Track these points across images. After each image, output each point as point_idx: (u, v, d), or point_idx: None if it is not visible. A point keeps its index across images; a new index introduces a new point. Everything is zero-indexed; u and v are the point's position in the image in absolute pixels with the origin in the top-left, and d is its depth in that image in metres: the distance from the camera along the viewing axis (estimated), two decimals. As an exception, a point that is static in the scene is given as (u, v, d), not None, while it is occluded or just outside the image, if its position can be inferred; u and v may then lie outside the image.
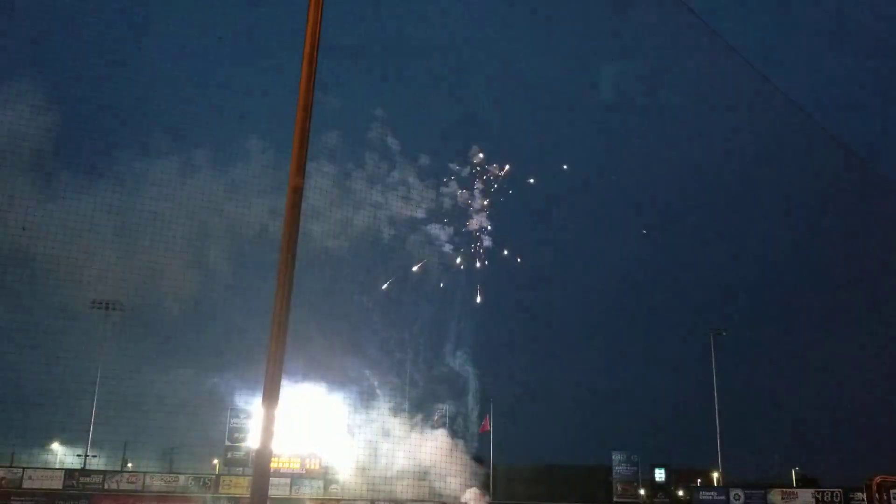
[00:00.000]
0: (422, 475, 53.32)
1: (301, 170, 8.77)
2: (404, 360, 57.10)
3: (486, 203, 56.36)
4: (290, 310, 8.13)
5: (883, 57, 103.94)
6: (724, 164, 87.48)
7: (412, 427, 55.60)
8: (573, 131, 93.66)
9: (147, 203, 48.54)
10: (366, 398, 55.57)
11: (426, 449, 53.11)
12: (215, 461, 62.18)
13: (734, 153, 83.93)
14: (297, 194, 8.60)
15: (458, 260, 57.07)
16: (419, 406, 58.21)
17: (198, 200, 49.79)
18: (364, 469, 54.25)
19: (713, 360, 60.08)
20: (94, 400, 53.49)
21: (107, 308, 53.27)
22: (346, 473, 55.75)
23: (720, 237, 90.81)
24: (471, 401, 57.06)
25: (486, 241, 57.35)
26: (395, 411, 55.66)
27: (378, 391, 55.59)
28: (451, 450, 54.94)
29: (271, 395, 8.08)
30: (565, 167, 59.14)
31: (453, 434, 55.91)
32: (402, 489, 53.97)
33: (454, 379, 57.70)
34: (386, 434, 54.37)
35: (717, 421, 59.07)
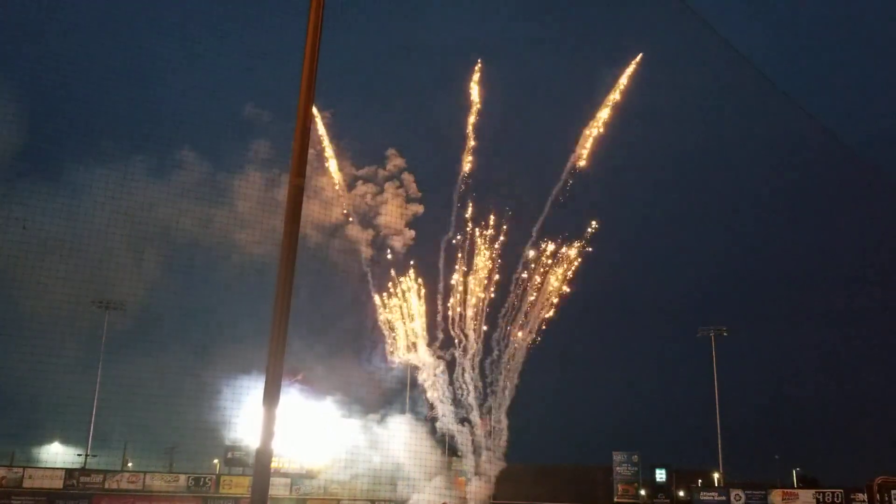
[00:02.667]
0: (417, 472, 53.76)
1: (302, 170, 8.77)
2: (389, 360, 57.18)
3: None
4: (290, 309, 8.11)
5: (886, 56, 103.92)
6: (727, 164, 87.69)
7: (410, 425, 55.79)
8: (564, 124, 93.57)
9: (148, 204, 48.76)
10: (360, 398, 56.03)
11: (422, 447, 53.51)
12: (215, 461, 62.25)
13: (736, 152, 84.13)
14: (298, 194, 8.58)
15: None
16: (412, 406, 58.35)
17: (199, 201, 50.04)
18: (361, 468, 54.53)
19: (714, 360, 60.02)
20: (94, 399, 53.56)
21: (107, 308, 53.32)
22: (344, 473, 55.95)
23: (721, 237, 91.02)
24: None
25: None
26: (390, 411, 55.97)
27: (369, 391, 55.97)
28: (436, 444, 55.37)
29: (272, 395, 8.06)
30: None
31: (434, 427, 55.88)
32: (402, 487, 54.20)
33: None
34: (384, 432, 54.68)
35: (718, 421, 59.05)
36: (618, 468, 57.94)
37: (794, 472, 61.48)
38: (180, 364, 49.41)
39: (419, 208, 55.54)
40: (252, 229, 51.37)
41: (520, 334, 54.58)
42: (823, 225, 75.93)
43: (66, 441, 61.10)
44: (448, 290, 54.01)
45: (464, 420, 54.43)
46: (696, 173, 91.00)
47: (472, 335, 54.35)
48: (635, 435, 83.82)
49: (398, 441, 52.77)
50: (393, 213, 54.67)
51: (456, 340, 53.98)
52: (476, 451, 54.54)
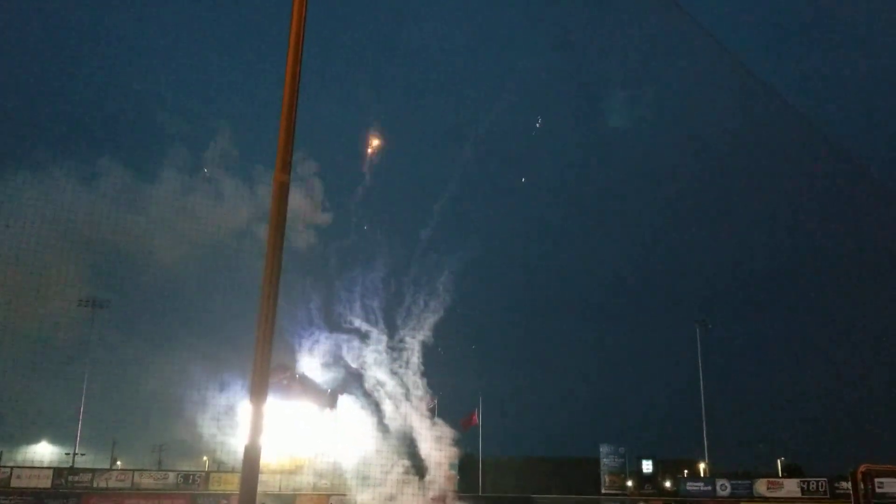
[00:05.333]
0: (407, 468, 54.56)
1: (287, 166, 8.80)
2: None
3: None
4: (276, 306, 8.17)
5: (872, 55, 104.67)
6: (712, 158, 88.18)
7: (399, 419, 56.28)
8: (556, 116, 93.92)
9: (134, 202, 48.84)
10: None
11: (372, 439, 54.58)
12: (205, 458, 62.20)
13: (721, 147, 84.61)
14: (283, 190, 8.63)
15: None
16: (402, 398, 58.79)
17: (185, 198, 50.14)
18: (350, 463, 54.98)
19: (699, 352, 60.51)
20: (81, 398, 53.37)
21: (93, 306, 53.06)
22: (333, 468, 56.21)
23: (706, 230, 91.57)
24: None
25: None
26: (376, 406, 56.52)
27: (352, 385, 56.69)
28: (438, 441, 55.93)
29: (259, 392, 8.10)
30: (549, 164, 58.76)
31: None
32: (391, 481, 54.64)
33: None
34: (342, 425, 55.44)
35: (703, 413, 59.57)
36: (605, 460, 58.34)
37: (778, 461, 61.97)
38: (167, 361, 49.40)
39: (326, 217, 56.56)
40: (243, 224, 51.85)
41: None
42: (807, 217, 76.50)
43: (53, 440, 60.82)
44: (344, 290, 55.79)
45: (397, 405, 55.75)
46: (682, 167, 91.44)
47: (374, 331, 55.94)
48: (622, 427, 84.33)
49: (355, 434, 53.85)
50: (298, 214, 55.72)
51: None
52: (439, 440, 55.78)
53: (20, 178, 45.26)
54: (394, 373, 56.56)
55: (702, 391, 59.27)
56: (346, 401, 57.05)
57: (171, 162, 53.57)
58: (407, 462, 55.43)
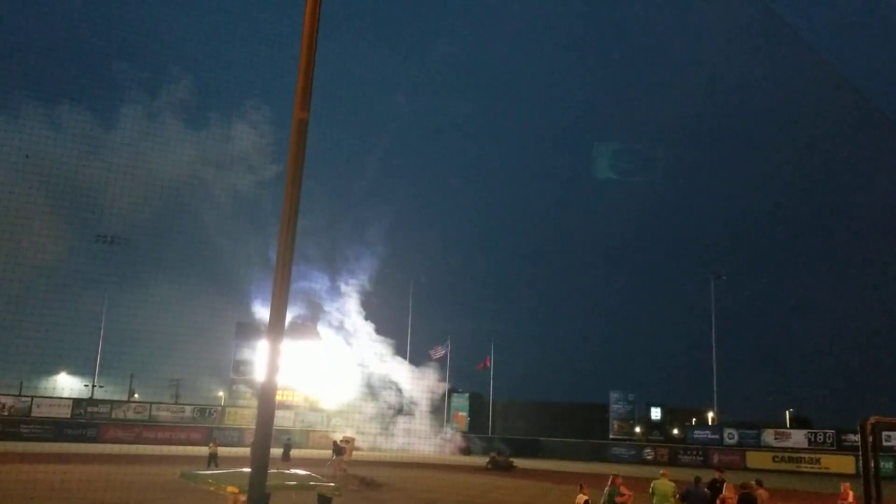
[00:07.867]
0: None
1: (306, 103, 8.63)
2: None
3: None
4: (294, 243, 8.12)
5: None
6: (727, 106, 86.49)
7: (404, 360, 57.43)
8: (570, 67, 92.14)
9: (149, 137, 48.74)
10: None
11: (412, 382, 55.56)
12: (221, 393, 63.45)
13: (738, 94, 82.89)
14: (303, 127, 8.48)
15: None
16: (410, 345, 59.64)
17: (201, 135, 50.01)
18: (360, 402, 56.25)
19: (712, 302, 60.31)
20: (100, 331, 54.22)
21: (111, 242, 53.44)
22: (345, 406, 57.36)
23: (722, 181, 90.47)
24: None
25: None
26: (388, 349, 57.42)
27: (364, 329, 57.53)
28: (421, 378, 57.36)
29: (276, 329, 8.09)
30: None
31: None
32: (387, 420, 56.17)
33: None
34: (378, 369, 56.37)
35: (714, 362, 59.75)
36: (614, 406, 59.02)
37: (787, 412, 62.37)
38: (185, 296, 49.93)
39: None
40: (253, 162, 51.84)
41: None
42: (823, 169, 75.29)
43: (73, 372, 62.12)
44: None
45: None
46: (696, 118, 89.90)
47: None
48: (632, 374, 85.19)
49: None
50: (247, 157, 55.93)
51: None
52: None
53: (38, 112, 45.17)
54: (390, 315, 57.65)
55: (713, 341, 59.31)
56: (328, 335, 58.25)
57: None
58: (400, 399, 56.87)
